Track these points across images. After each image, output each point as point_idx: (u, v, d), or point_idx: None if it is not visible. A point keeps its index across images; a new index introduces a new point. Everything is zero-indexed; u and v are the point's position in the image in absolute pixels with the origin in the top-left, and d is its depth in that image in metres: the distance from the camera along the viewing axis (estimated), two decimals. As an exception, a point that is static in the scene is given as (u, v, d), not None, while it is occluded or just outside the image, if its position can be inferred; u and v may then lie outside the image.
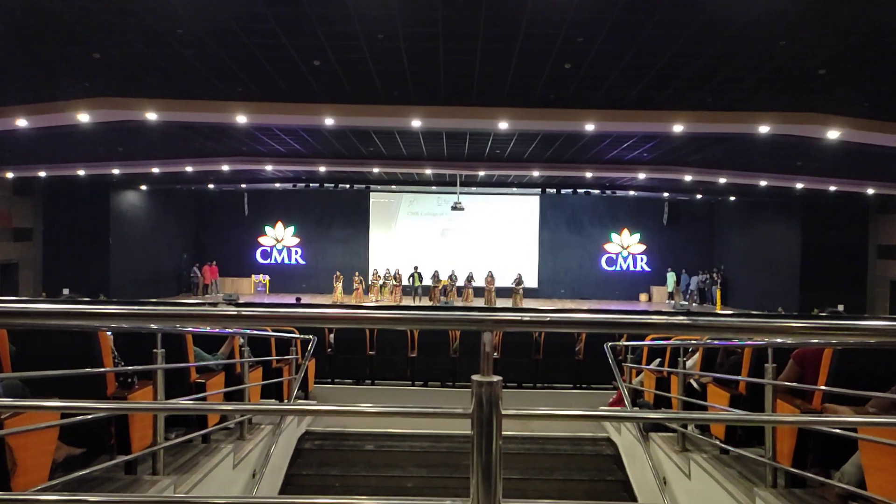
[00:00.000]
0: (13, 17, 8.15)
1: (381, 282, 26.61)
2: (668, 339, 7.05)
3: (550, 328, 1.91)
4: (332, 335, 10.69)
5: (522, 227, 29.80)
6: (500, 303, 24.93)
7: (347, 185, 26.36)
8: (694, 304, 27.43)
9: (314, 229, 29.73)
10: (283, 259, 29.84)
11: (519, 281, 25.51)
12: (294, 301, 22.11)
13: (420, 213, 29.81)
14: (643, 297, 29.21)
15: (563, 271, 29.57)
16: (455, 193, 23.67)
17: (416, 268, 26.48)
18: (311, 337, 7.10)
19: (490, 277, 25.79)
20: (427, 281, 26.25)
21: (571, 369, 10.40)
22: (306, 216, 29.64)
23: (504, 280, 26.69)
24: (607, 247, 29.80)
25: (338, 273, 26.93)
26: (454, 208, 23.46)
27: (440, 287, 25.68)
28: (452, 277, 26.49)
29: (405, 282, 26.85)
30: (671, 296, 28.48)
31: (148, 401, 4.12)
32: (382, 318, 1.94)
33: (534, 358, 10.40)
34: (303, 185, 25.44)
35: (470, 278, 26.78)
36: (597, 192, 25.71)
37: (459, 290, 26.30)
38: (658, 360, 7.47)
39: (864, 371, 3.87)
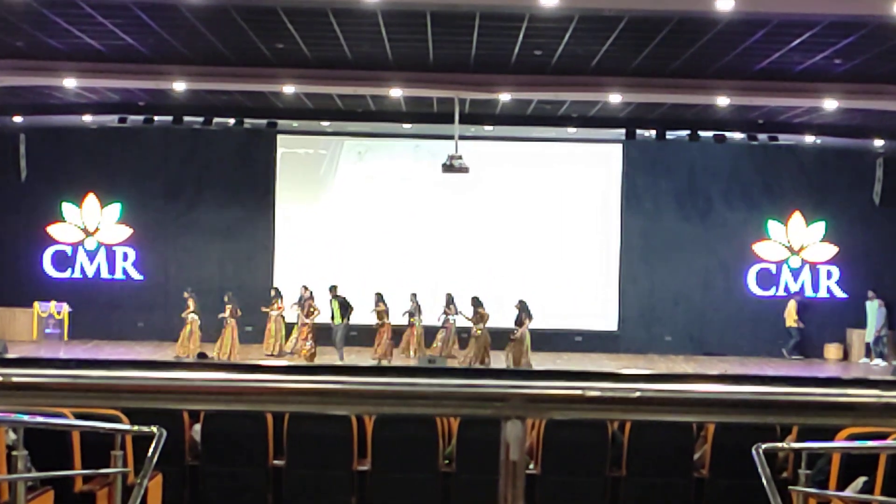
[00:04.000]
0: None
1: (277, 311, 26.62)
2: (884, 437, 7.06)
3: (642, 413, 1.93)
4: (197, 426, 10.66)
5: (586, 206, 29.89)
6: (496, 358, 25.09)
7: (231, 121, 26.18)
8: (878, 360, 27.54)
9: (162, 209, 29.71)
10: (96, 270, 29.76)
11: (521, 316, 25.11)
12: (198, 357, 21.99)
13: (378, 176, 29.84)
14: (832, 350, 29.30)
15: (668, 298, 29.62)
16: (450, 139, 23.66)
17: (337, 298, 26.25)
18: (154, 430, 7.07)
19: (476, 306, 25.68)
20: (361, 310, 26.13)
21: (685, 497, 10.41)
22: (145, 183, 29.60)
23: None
24: (760, 248, 29.90)
25: (187, 293, 26.44)
26: (448, 168, 23.44)
27: (384, 325, 25.77)
28: (413, 308, 26.52)
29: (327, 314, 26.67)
30: (870, 350, 28.33)
31: None
32: (302, 392, 1.95)
33: (608, 475, 10.39)
34: (140, 119, 25.31)
35: (448, 304, 26.65)
36: (739, 136, 25.72)
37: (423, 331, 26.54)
38: (863, 481, 7.49)
39: None
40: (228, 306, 25.95)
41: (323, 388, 1.95)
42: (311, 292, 26.50)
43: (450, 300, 26.82)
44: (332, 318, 25.79)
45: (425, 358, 25.57)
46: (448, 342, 26.75)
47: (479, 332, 25.59)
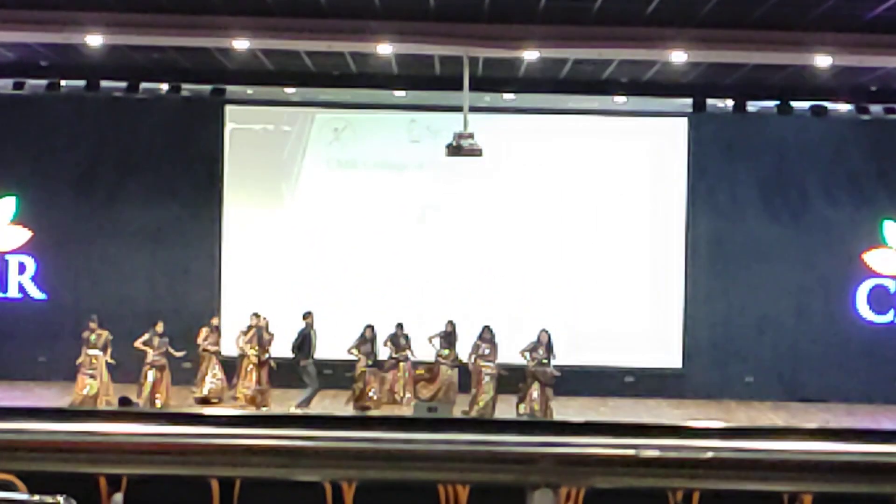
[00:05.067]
0: None
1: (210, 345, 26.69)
2: None
3: (716, 480, 1.93)
4: (119, 495, 10.66)
5: (639, 201, 29.87)
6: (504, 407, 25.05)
7: (164, 87, 26.16)
8: None
9: (72, 204, 29.66)
10: (-16, 286, 29.76)
11: (543, 351, 25.20)
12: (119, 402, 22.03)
13: (361, 160, 29.88)
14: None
15: (750, 325, 29.57)
16: (457, 111, 23.62)
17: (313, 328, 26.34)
18: (60, 501, 7.09)
19: (487, 339, 25.67)
20: (336, 341, 26.19)
21: None
22: (49, 170, 29.60)
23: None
24: (873, 259, 29.82)
25: (92, 322, 26.18)
26: (455, 151, 23.45)
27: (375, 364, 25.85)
28: (399, 339, 26.53)
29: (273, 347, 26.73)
30: None
31: None
32: (260, 451, 1.95)
33: (670, 561, 10.38)
34: (42, 84, 25.37)
35: (448, 337, 26.64)
36: (845, 108, 25.66)
37: (417, 369, 26.53)
38: None
39: None
40: (155, 339, 25.92)
41: (288, 446, 1.95)
42: (267, 321, 26.52)
43: (452, 330, 26.84)
44: (306, 353, 25.85)
45: (423, 405, 25.45)
46: (448, 384, 26.79)
47: (488, 370, 25.69)
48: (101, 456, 2.01)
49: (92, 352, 25.76)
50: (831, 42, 19.78)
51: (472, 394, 25.92)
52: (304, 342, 26.14)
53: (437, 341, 26.85)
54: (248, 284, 29.51)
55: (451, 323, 26.89)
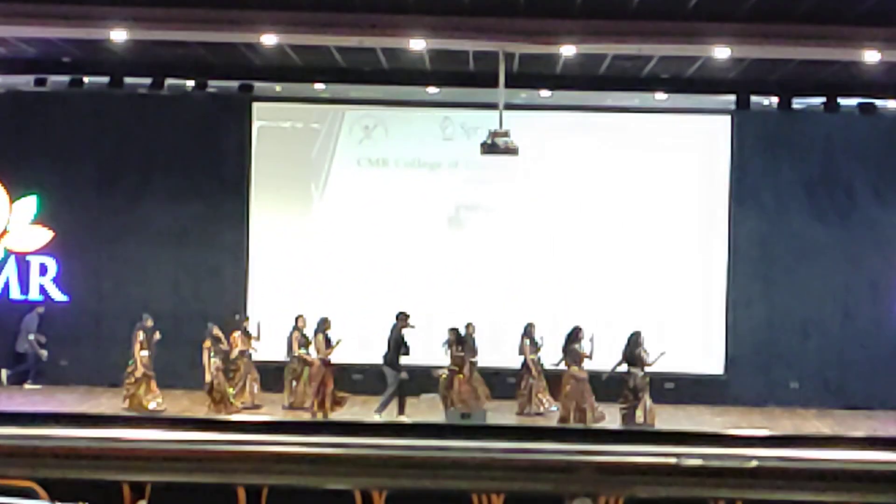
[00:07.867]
0: None
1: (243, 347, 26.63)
2: None
3: (761, 490, 1.91)
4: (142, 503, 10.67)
5: (680, 201, 29.66)
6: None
7: (190, 83, 26.18)
8: None
9: (95, 203, 29.68)
10: (3, 287, 29.67)
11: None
12: None
13: (392, 159, 29.90)
14: None
15: (795, 329, 29.41)
16: (492, 108, 23.56)
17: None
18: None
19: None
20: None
21: None
22: (71, 168, 29.62)
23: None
24: (922, 261, 29.63)
25: (149, 321, 26.18)
26: (490, 149, 23.39)
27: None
28: (455, 341, 26.53)
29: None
30: None
31: None
32: (289, 458, 1.94)
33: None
34: (65, 80, 25.42)
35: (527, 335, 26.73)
36: (894, 105, 25.45)
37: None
38: None
39: None
40: (211, 345, 25.72)
41: (317, 454, 1.94)
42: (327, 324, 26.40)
43: (531, 332, 26.89)
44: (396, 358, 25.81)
45: (455, 411, 25.32)
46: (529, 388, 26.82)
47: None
48: (124, 463, 2.00)
49: (146, 353, 25.86)
50: (880, 37, 19.67)
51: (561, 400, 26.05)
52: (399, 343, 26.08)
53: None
54: (275, 286, 29.51)
55: (530, 326, 27.15)
